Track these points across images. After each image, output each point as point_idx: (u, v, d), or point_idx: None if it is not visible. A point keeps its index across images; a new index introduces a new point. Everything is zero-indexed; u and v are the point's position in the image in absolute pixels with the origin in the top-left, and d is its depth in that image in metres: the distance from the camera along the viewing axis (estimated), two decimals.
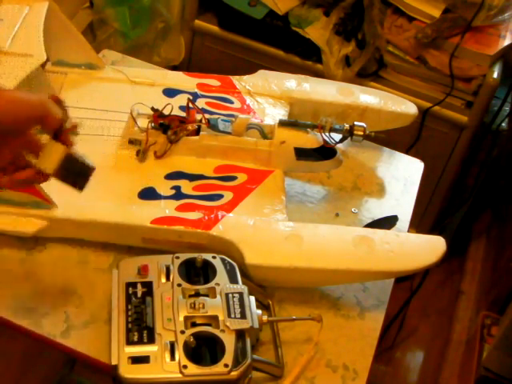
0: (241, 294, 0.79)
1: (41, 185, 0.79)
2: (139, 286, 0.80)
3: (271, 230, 0.88)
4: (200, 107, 1.01)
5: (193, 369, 0.72)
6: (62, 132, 0.71)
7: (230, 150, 0.96)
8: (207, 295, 0.79)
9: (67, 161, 0.71)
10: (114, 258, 0.89)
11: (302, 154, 0.96)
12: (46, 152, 0.70)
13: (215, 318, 0.76)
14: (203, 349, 0.74)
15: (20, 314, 0.82)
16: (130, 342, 0.74)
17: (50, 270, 0.88)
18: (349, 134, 0.96)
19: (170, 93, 1.07)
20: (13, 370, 1.55)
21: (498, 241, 1.96)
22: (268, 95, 1.08)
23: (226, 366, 0.72)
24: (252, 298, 0.80)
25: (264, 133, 0.98)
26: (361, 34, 1.70)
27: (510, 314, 1.42)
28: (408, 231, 1.01)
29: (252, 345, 0.76)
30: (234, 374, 0.72)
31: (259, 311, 0.79)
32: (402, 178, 1.10)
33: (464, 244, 2.04)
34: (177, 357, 0.73)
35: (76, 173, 0.72)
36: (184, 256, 0.83)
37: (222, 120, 0.98)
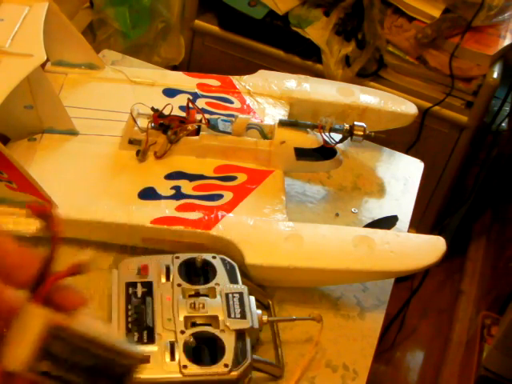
0: (241, 294, 0.78)
1: (40, 184, 0.79)
2: (139, 286, 0.80)
3: (271, 229, 0.88)
4: (200, 107, 1.00)
5: (193, 369, 0.72)
6: (44, 282, 0.39)
7: (230, 150, 0.96)
8: (207, 295, 0.79)
9: (56, 346, 0.36)
10: (114, 258, 0.89)
11: (302, 153, 0.96)
12: (16, 329, 0.37)
13: (215, 318, 0.76)
14: (203, 349, 0.74)
15: None
16: (130, 343, 0.74)
17: None
18: (349, 134, 0.96)
19: (170, 93, 1.06)
20: None
21: (498, 241, 1.96)
22: (268, 95, 1.08)
23: (225, 365, 0.72)
24: (252, 298, 0.79)
25: (264, 133, 0.98)
26: (361, 34, 1.70)
27: (510, 313, 1.42)
28: (408, 231, 1.01)
29: (252, 345, 0.76)
30: (234, 373, 0.72)
31: (259, 311, 0.79)
32: (402, 178, 1.10)
33: (464, 244, 2.04)
34: (177, 357, 0.72)
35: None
36: (184, 256, 0.83)
37: (222, 120, 0.98)
